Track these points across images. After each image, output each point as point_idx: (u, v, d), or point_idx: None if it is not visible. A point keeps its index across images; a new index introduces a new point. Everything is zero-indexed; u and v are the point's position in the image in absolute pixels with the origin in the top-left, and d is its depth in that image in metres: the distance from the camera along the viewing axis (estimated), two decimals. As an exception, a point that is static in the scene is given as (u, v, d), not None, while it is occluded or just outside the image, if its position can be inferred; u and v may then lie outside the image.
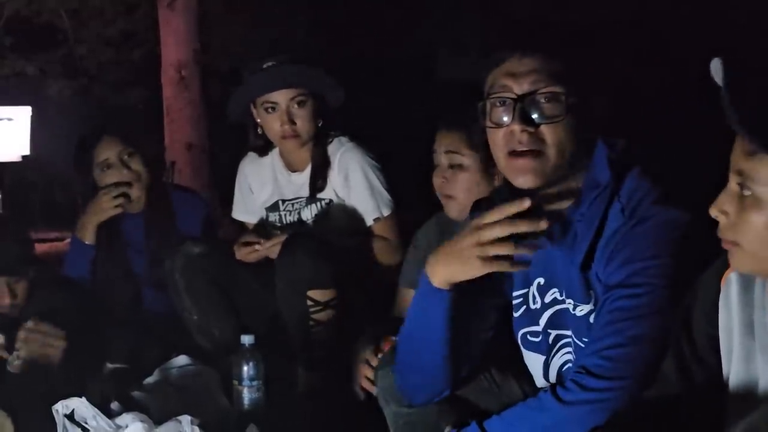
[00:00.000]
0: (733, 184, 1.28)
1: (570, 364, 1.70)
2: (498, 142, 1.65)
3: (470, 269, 1.60)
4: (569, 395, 1.56)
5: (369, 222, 2.81)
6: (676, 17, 7.03)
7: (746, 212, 1.26)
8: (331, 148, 2.86)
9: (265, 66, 2.78)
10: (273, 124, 2.80)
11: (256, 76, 2.80)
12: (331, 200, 2.85)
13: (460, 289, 1.72)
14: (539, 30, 1.68)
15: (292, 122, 2.77)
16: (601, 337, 1.57)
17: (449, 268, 1.62)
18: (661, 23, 7.19)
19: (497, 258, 1.58)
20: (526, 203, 1.56)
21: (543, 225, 1.56)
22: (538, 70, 1.60)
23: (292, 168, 2.92)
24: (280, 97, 2.78)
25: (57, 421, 2.07)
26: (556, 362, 1.75)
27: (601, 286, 1.62)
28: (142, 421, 2.06)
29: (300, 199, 2.90)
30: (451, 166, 2.32)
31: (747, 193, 1.26)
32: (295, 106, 2.78)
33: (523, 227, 1.56)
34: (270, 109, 2.79)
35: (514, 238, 1.57)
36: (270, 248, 2.72)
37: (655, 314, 1.54)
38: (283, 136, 2.80)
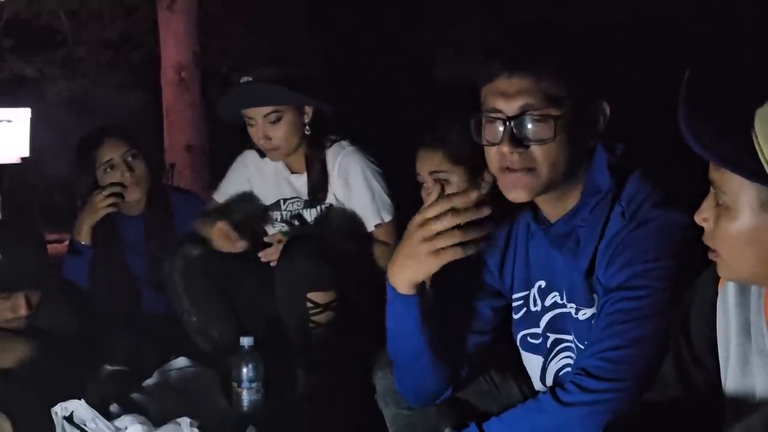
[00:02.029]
0: (711, 192, 1.31)
1: (568, 369, 1.70)
2: (492, 158, 1.65)
3: (425, 266, 1.61)
4: (569, 397, 1.56)
5: (370, 228, 2.80)
6: (678, 17, 7.03)
7: (720, 221, 1.29)
8: (331, 152, 2.84)
9: (242, 81, 2.77)
10: (254, 137, 2.81)
11: (233, 90, 2.80)
12: (331, 204, 2.84)
13: (447, 290, 1.76)
14: (530, 45, 1.65)
15: (268, 136, 2.77)
16: (601, 339, 1.57)
17: (407, 270, 1.63)
18: (662, 23, 7.19)
19: (449, 248, 1.58)
20: (474, 196, 1.59)
21: (486, 211, 1.59)
22: (527, 91, 1.58)
23: (292, 170, 2.92)
24: (254, 113, 2.77)
25: (56, 423, 2.06)
26: (554, 366, 1.75)
27: (602, 289, 1.61)
28: (141, 423, 2.06)
29: (299, 200, 2.90)
30: (437, 183, 2.33)
31: (720, 202, 1.29)
32: (269, 122, 2.76)
33: (465, 216, 1.57)
34: (249, 124, 2.79)
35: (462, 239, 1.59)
36: (269, 255, 2.72)
37: (655, 317, 1.54)
38: (263, 148, 2.82)
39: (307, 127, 2.81)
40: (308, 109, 2.81)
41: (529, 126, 1.58)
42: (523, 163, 1.60)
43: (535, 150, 1.59)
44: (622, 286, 1.57)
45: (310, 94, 2.79)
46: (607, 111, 1.65)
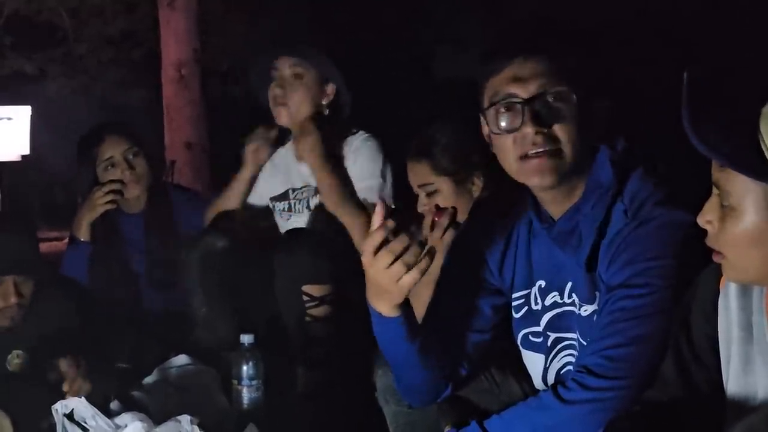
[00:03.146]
0: (714, 194, 1.30)
1: (570, 367, 1.70)
2: (508, 147, 1.63)
3: (396, 294, 1.59)
4: (570, 394, 1.55)
5: (364, 194, 2.77)
6: (680, 15, 7.03)
7: (726, 222, 1.28)
8: (349, 140, 2.86)
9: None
10: (271, 92, 2.86)
11: (269, 46, 2.97)
12: None
13: (447, 289, 1.78)
14: (538, 32, 1.66)
15: (283, 89, 2.82)
16: (603, 337, 1.56)
17: (383, 300, 1.62)
18: (664, 21, 7.19)
19: (408, 271, 1.55)
20: (377, 218, 1.56)
21: (421, 232, 1.58)
22: (542, 73, 1.59)
23: (300, 158, 2.90)
24: (282, 63, 2.84)
25: (56, 421, 2.07)
26: (556, 365, 1.75)
27: (604, 287, 1.61)
28: (141, 421, 2.06)
29: (309, 187, 2.89)
30: (427, 195, 2.36)
31: (725, 203, 1.28)
32: (292, 76, 2.82)
33: (403, 241, 1.54)
34: (274, 78, 2.84)
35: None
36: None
37: (657, 315, 1.53)
38: (275, 102, 2.84)
39: (326, 108, 2.85)
40: (330, 90, 2.86)
41: (550, 104, 1.59)
42: (547, 144, 1.59)
43: (558, 129, 1.59)
44: (624, 284, 1.57)
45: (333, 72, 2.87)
46: (611, 104, 1.65)
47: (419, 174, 2.38)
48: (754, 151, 1.19)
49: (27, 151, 5.93)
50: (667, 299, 1.53)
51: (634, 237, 1.59)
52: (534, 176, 1.62)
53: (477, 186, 2.33)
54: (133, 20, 9.03)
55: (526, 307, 1.79)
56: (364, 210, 2.71)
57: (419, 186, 2.39)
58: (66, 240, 3.24)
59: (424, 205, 2.39)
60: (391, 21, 8.95)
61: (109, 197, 2.97)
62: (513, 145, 1.62)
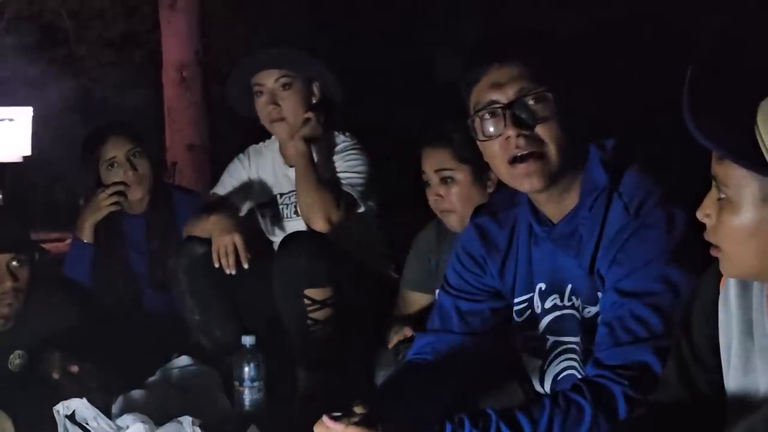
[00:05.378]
0: (713, 188, 1.31)
1: (569, 371, 1.70)
2: (495, 153, 1.65)
3: None
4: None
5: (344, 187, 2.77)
6: (680, 10, 7.01)
7: (723, 215, 1.29)
8: (338, 136, 2.87)
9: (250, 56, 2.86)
10: (261, 109, 2.84)
11: (245, 59, 2.87)
12: None
13: (448, 293, 1.81)
14: (511, 39, 1.69)
15: (277, 104, 2.80)
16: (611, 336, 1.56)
17: None
18: (663, 18, 7.18)
19: None
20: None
21: None
22: (519, 77, 1.61)
23: (290, 162, 2.90)
24: (265, 78, 2.81)
25: (58, 422, 2.06)
26: (553, 369, 1.74)
27: (604, 285, 1.61)
28: (143, 422, 2.06)
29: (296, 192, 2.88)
30: (443, 181, 2.35)
31: (722, 196, 1.28)
32: (280, 87, 2.79)
33: None
34: (258, 93, 2.82)
35: None
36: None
37: (663, 315, 1.53)
38: (270, 119, 2.83)
39: (318, 113, 2.82)
40: (316, 89, 2.85)
41: (529, 107, 1.61)
42: (530, 146, 1.61)
43: (540, 130, 1.61)
44: (628, 284, 1.57)
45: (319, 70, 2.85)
46: (594, 102, 1.66)
47: (438, 159, 2.37)
48: (751, 143, 1.20)
49: (28, 152, 5.92)
50: (672, 299, 1.53)
51: (637, 236, 1.59)
52: (524, 181, 1.64)
53: (492, 181, 2.33)
54: (134, 22, 9.03)
55: (529, 311, 1.79)
56: (334, 192, 2.71)
57: (436, 171, 2.37)
58: (67, 241, 3.24)
59: (435, 193, 2.38)
60: (391, 23, 8.95)
61: (114, 199, 2.98)
62: (499, 150, 1.63)
